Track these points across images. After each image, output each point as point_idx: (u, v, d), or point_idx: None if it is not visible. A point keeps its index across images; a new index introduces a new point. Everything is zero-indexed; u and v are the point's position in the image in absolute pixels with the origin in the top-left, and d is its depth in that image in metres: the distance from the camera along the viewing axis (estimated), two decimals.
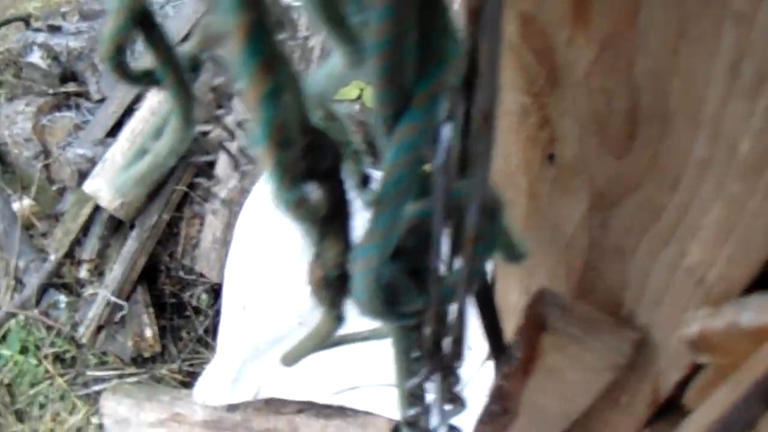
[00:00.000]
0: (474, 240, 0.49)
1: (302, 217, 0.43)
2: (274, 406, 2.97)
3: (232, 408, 3.02)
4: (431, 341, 0.60)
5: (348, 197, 0.47)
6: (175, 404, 3.22)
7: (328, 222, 0.46)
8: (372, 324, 0.64)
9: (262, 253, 3.05)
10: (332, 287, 0.49)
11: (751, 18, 0.41)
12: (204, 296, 3.72)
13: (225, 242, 3.48)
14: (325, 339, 0.58)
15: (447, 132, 0.44)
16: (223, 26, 0.32)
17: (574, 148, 0.63)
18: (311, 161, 0.42)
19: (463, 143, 0.46)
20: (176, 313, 3.80)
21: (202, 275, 3.67)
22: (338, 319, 0.53)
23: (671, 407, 0.71)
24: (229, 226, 3.44)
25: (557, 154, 0.66)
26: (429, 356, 0.62)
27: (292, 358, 0.64)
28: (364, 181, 0.58)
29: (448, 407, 0.71)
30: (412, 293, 0.53)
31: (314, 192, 0.44)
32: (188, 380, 3.60)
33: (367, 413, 2.82)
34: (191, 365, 3.71)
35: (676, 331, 0.61)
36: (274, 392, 2.89)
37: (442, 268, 0.54)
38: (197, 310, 3.77)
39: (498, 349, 0.84)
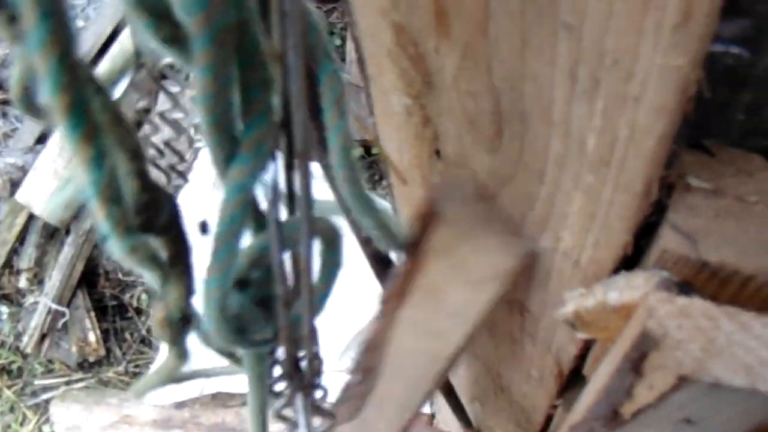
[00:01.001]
0: (306, 269, 0.52)
1: (139, 263, 0.46)
2: (220, 400, 2.99)
3: (179, 405, 3.03)
4: (288, 363, 0.63)
5: (188, 246, 0.50)
6: (124, 406, 3.22)
7: (170, 268, 0.49)
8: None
9: (195, 250, 3.05)
10: (173, 327, 0.52)
11: (579, 28, 0.44)
12: (144, 296, 3.71)
13: None
14: (172, 373, 0.60)
15: (274, 171, 0.47)
16: (46, 102, 0.35)
17: (454, 144, 0.66)
18: (148, 217, 0.44)
19: (288, 178, 0.49)
20: (118, 315, 3.78)
21: (140, 276, 3.65)
22: (182, 355, 0.56)
23: (579, 379, 0.75)
24: None
25: (441, 150, 0.69)
26: (288, 377, 0.64)
27: (141, 391, 0.67)
28: (203, 228, 0.61)
29: (317, 423, 0.71)
30: (260, 322, 0.56)
31: (154, 241, 0.47)
32: (135, 381, 3.59)
33: None
34: (137, 366, 3.70)
35: None
36: (219, 386, 2.90)
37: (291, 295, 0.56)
38: (139, 311, 3.75)
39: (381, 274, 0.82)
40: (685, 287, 0.53)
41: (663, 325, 0.49)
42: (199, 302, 0.51)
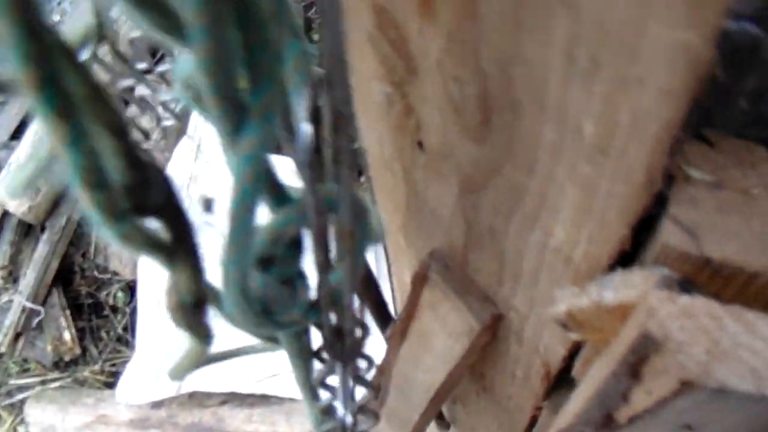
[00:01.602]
0: (350, 233, 0.49)
1: (137, 248, 0.43)
2: (198, 399, 2.96)
3: (156, 405, 3.00)
4: (329, 335, 0.62)
5: (189, 223, 0.46)
6: (100, 406, 3.19)
7: (174, 250, 0.45)
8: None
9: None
10: (188, 312, 0.49)
11: (578, 5, 0.41)
12: (120, 294, 3.68)
13: None
14: (201, 357, 0.58)
15: (307, 130, 0.44)
16: (16, 78, 0.32)
17: (438, 134, 0.63)
18: (139, 198, 0.41)
19: (321, 141, 0.46)
20: (94, 314, 3.75)
21: (116, 273, 3.63)
22: (205, 338, 0.53)
23: (566, 381, 0.72)
24: None
25: (424, 140, 0.66)
26: (329, 347, 0.63)
27: (176, 375, 0.65)
28: (207, 206, 0.59)
29: (361, 392, 0.77)
30: (286, 302, 0.54)
31: (152, 222, 0.44)
32: (111, 380, 3.56)
33: (291, 399, 2.82)
34: (113, 365, 3.67)
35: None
36: (196, 385, 2.87)
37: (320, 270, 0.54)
38: (115, 309, 3.73)
39: (383, 319, 1.01)
40: (686, 285, 0.50)
41: (664, 326, 0.46)
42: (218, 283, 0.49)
